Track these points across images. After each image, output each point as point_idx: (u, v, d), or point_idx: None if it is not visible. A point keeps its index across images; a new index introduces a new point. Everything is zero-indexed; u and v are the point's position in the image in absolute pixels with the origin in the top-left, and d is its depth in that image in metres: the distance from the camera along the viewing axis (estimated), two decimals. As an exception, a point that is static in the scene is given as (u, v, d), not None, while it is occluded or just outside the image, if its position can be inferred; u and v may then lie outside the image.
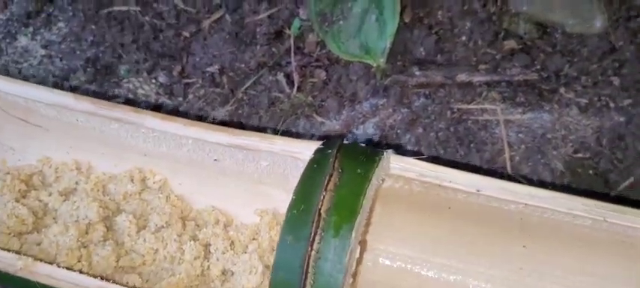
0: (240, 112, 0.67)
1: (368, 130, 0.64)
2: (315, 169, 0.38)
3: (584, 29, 0.64)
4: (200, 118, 0.67)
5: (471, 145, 0.61)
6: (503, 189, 0.40)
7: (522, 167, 0.59)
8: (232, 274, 0.47)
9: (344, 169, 0.38)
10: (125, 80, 0.70)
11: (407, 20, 0.68)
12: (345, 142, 0.41)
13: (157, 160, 0.51)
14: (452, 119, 0.63)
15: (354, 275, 0.38)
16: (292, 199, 0.37)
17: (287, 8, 0.71)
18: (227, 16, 0.72)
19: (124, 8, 0.74)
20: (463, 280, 0.48)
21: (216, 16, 0.72)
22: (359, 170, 0.38)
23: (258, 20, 0.71)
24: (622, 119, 0.60)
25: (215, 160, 0.48)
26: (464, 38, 0.66)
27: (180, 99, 0.68)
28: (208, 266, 0.48)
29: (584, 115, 0.61)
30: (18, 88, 0.51)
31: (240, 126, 0.66)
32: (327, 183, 0.37)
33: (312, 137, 0.65)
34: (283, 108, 0.66)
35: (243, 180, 0.49)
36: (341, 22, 0.68)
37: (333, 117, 0.65)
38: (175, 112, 0.67)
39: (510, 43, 0.65)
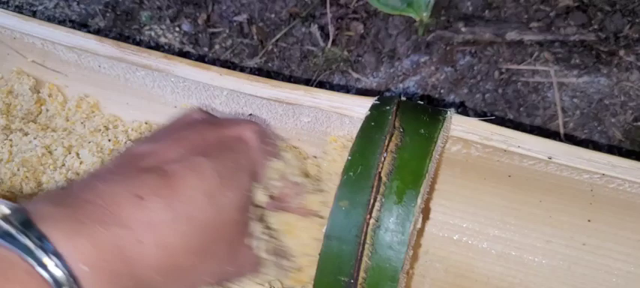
0: (270, 64, 0.62)
1: (408, 88, 0.59)
2: (373, 127, 0.34)
3: (648, -14, 0.59)
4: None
5: (521, 108, 0.57)
6: (579, 157, 0.36)
7: (577, 134, 0.55)
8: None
9: (405, 129, 0.33)
10: (146, 27, 0.66)
11: (453, -28, 0.63)
12: (403, 99, 0.36)
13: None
14: (500, 80, 0.58)
15: (415, 247, 0.34)
16: (348, 159, 0.33)
17: (321, -45, 0.66)
18: (256, -38, 0.67)
19: (145, -50, 0.69)
20: (518, 254, 0.44)
21: (245, -39, 0.67)
22: (422, 130, 0.33)
23: (290, -33, 0.66)
24: (687, 86, 0.55)
25: (250, 114, 0.44)
26: (515, -7, 0.61)
27: (206, 49, 0.64)
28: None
29: (645, 80, 0.56)
30: (35, 29, 0.46)
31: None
32: (388, 143, 0.33)
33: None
34: (317, 62, 0.61)
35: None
36: (380, -28, 0.62)
37: (370, 73, 0.60)
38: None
39: (566, 0, 0.60)
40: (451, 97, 0.58)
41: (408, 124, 0.34)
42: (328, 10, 0.62)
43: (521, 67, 0.58)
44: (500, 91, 0.57)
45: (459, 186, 0.43)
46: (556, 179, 0.40)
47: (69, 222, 0.28)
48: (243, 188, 0.35)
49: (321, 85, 0.61)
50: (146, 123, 0.49)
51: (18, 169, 0.46)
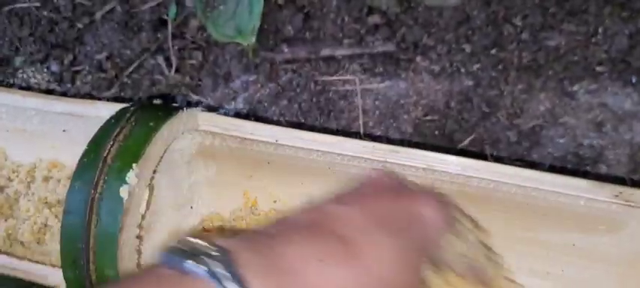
0: (123, 94, 0.71)
1: (238, 105, 0.67)
2: (111, 123, 0.42)
3: (442, 2, 0.68)
4: (86, 102, 0.71)
5: (331, 113, 0.65)
6: (299, 138, 0.44)
7: (375, 131, 0.63)
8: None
9: (137, 122, 0.41)
10: (20, 71, 0.74)
11: (281, 2, 0.71)
12: (156, 103, 0.44)
13: (13, 135, 0.55)
14: (315, 91, 0.66)
15: (144, 218, 0.42)
16: (85, 149, 0.40)
17: (174, -3, 0.75)
18: (118, 7, 0.76)
19: (26, 5, 0.78)
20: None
21: (109, 7, 0.76)
22: (151, 123, 0.41)
23: (146, 9, 0.75)
24: (471, 83, 0.63)
25: (64, 130, 0.52)
26: (332, 16, 0.70)
27: (69, 85, 0.72)
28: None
29: (436, 80, 0.64)
30: None
31: (124, 108, 0.70)
32: (118, 134, 0.40)
33: (190, 115, 0.68)
34: (161, 88, 0.69)
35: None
36: (221, 7, 0.71)
37: (207, 94, 0.69)
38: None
39: (374, 18, 0.69)
40: (273, 109, 0.66)
41: (141, 118, 0.42)
42: (170, 43, 0.71)
43: (333, 78, 0.66)
44: (314, 100, 0.66)
45: (231, 176, 0.50)
46: (304, 161, 0.47)
47: (265, 275, 0.30)
48: (417, 271, 0.36)
49: (167, 108, 0.69)
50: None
51: None
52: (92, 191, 0.39)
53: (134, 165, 0.39)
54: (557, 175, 0.42)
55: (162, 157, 0.43)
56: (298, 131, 0.44)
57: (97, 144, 0.40)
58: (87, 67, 0.73)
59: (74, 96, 0.71)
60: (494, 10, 0.67)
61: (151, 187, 0.41)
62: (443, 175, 0.43)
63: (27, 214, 0.51)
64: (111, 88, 0.71)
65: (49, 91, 0.72)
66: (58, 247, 0.50)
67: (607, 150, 0.58)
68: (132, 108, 0.43)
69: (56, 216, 0.52)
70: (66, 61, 0.74)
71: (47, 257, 0.49)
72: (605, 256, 0.44)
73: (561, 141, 0.59)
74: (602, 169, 0.57)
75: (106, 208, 0.38)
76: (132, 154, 0.39)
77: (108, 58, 0.73)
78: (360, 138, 0.62)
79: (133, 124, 0.41)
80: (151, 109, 0.43)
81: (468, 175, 0.42)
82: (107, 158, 0.39)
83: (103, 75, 0.72)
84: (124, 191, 0.38)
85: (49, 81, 0.73)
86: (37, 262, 0.45)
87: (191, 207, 0.49)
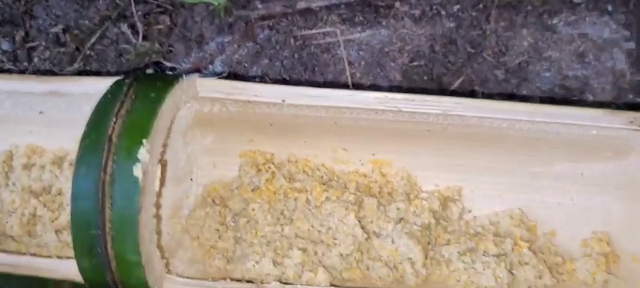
0: (88, 68, 0.66)
1: (216, 68, 0.64)
2: (108, 98, 0.38)
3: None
4: (48, 80, 0.66)
5: (315, 68, 0.63)
6: (306, 95, 0.42)
7: (363, 82, 0.61)
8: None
9: (137, 95, 0.38)
10: (-33, 53, 0.68)
11: (246, -45, 0.68)
12: (149, 72, 0.41)
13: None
14: (296, 46, 0.64)
15: (159, 196, 0.39)
16: (84, 130, 0.37)
17: (130, -43, 0.69)
18: (68, -26, 0.70)
19: (-40, -21, 0.71)
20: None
21: (57, -26, 0.70)
22: (152, 94, 0.38)
23: (100, -27, 0.69)
24: (453, 25, 0.63)
25: (40, 112, 0.48)
26: (305, -35, 0.67)
27: (26, 64, 0.67)
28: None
29: (418, 25, 0.63)
30: None
31: (90, 82, 0.65)
32: (119, 110, 0.37)
33: (164, 84, 0.64)
34: (129, 58, 0.65)
35: (74, 128, 0.49)
36: (183, -35, 0.67)
37: (181, 61, 0.65)
38: (21, 78, 0.66)
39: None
40: (254, 69, 0.63)
41: (140, 91, 0.39)
42: (134, 8, 0.66)
43: (313, 31, 0.64)
44: (296, 56, 0.63)
45: (230, 142, 0.47)
46: (309, 119, 0.45)
47: None
48: None
49: (138, 78, 0.65)
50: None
51: None
52: (102, 174, 0.36)
53: (144, 141, 0.36)
54: (575, 107, 0.43)
55: (170, 130, 0.40)
56: (306, 88, 0.43)
57: (97, 123, 0.37)
58: (43, 43, 0.67)
59: (35, 74, 0.66)
60: (466, -52, 0.66)
61: (163, 163, 0.39)
62: (455, 119, 0.43)
63: (12, 207, 0.48)
64: (73, 63, 0.66)
65: (4, 71, 0.66)
66: (53, 237, 0.47)
67: (591, 79, 0.59)
68: (127, 81, 0.39)
69: (45, 205, 0.48)
70: (18, 38, 0.68)
71: (44, 249, 0.46)
72: (612, 182, 0.45)
73: (547, 75, 0.60)
74: (589, 97, 0.59)
75: (121, 190, 0.36)
76: (139, 129, 0.37)
77: (65, 30, 0.68)
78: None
79: (133, 97, 0.38)
80: (149, 80, 0.40)
81: (482, 116, 0.42)
82: (112, 137, 0.36)
83: (62, 49, 0.67)
84: (138, 170, 0.36)
85: (1, 61, 0.67)
86: (41, 255, 0.42)
87: (191, 179, 0.47)
